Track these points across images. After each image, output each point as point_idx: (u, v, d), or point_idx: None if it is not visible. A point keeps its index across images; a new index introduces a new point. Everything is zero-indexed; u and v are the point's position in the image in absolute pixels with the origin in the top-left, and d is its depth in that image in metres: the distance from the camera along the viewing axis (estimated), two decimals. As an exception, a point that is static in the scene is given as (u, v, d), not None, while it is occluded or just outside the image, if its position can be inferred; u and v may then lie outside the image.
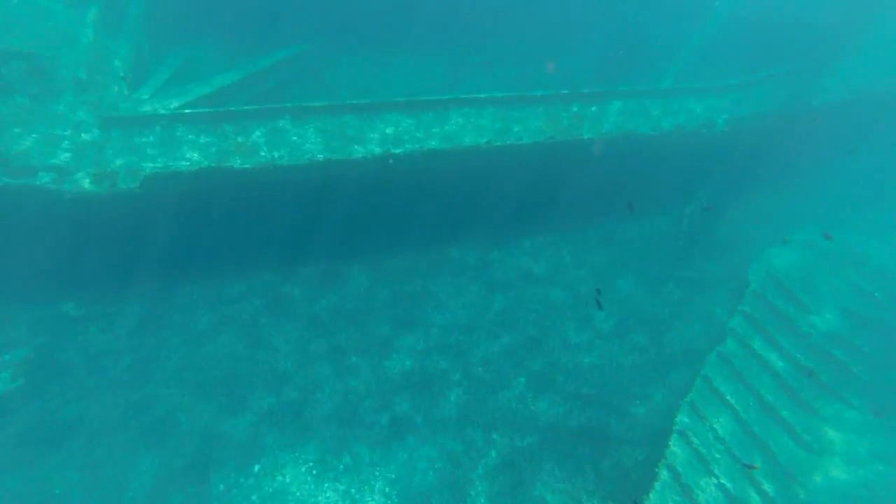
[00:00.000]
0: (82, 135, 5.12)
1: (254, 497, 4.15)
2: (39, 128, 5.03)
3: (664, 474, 4.44)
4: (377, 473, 4.40)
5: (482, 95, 6.28)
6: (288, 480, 4.27)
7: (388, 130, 5.76)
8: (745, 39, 7.98)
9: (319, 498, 4.20)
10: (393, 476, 4.39)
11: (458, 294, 6.08)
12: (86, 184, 4.80)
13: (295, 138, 5.55)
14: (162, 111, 5.49)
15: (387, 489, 4.30)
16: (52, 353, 4.86)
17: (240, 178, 5.15)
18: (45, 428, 4.28)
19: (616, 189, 6.85)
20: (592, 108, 6.62)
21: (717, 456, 4.70)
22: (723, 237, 6.85)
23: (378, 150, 5.40)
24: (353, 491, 4.27)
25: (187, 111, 5.51)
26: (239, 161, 5.23)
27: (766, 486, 4.46)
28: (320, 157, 5.29)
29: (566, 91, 6.58)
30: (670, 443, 4.64)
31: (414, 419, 4.82)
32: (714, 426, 4.87)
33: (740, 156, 6.90)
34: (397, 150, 5.44)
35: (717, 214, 6.86)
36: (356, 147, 5.46)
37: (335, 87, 7.57)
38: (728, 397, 5.08)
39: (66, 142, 5.02)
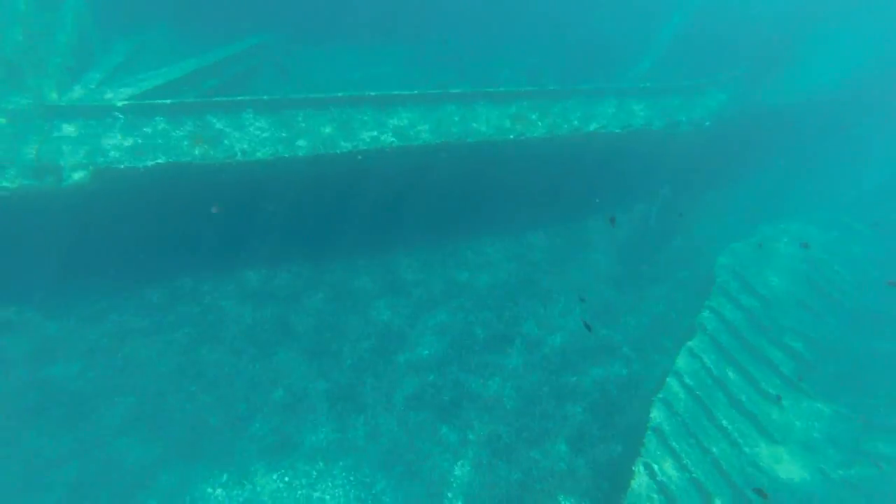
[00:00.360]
0: (17, 125, 4.74)
1: None
2: (-28, 118, 4.62)
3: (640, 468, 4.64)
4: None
5: (437, 91, 6.25)
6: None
7: (326, 130, 5.65)
8: (698, 43, 8.38)
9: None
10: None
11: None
12: (23, 179, 4.46)
13: (257, 132, 5.36)
14: (116, 101, 5.17)
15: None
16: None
17: (200, 173, 4.94)
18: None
19: (579, 187, 7.04)
20: (554, 108, 6.75)
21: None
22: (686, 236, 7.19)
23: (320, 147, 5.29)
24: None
25: (145, 102, 5.21)
26: (198, 153, 5.01)
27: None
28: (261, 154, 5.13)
29: (528, 88, 6.67)
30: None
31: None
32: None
33: (699, 155, 7.24)
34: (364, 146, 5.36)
35: (678, 213, 7.19)
36: (300, 142, 5.32)
37: (297, 79, 7.36)
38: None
39: (8, 136, 4.64)
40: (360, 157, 5.30)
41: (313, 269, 6.04)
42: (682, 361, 5.52)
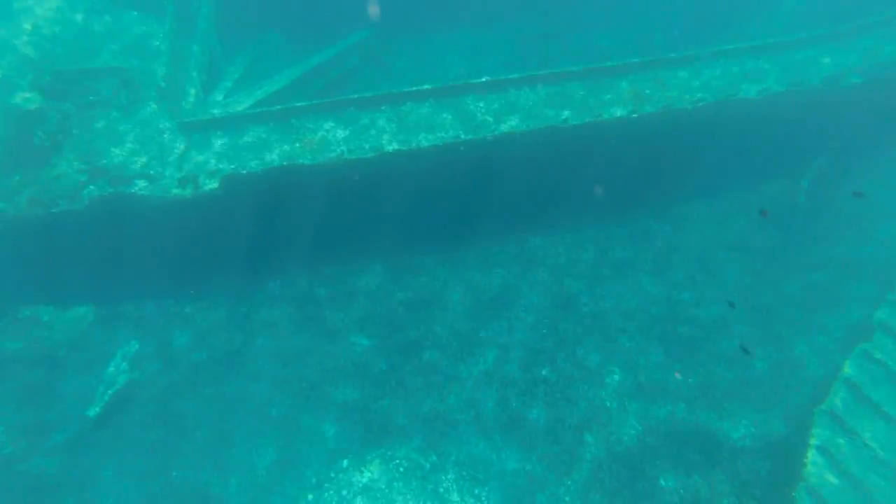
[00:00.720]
0: (166, 141, 5.43)
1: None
2: (129, 138, 5.39)
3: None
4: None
5: (554, 71, 5.89)
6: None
7: (447, 116, 5.57)
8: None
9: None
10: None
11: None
12: (172, 189, 5.09)
13: (366, 130, 5.54)
14: (233, 112, 5.69)
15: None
16: (159, 347, 5.29)
17: (311, 175, 5.25)
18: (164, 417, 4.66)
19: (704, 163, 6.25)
20: (681, 74, 6.01)
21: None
22: (849, 213, 6.00)
23: (448, 137, 5.26)
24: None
25: (257, 111, 5.67)
26: (309, 157, 5.33)
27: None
28: (390, 148, 5.25)
29: (648, 57, 6.01)
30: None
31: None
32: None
33: (863, 116, 6.00)
34: (468, 136, 5.26)
35: (838, 186, 6.03)
36: (425, 135, 5.35)
37: (398, 73, 7.48)
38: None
39: (152, 149, 5.35)
40: (509, 139, 5.19)
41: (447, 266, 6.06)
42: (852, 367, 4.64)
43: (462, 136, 5.28)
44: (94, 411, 4.53)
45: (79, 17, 5.95)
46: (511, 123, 5.44)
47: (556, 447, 4.56)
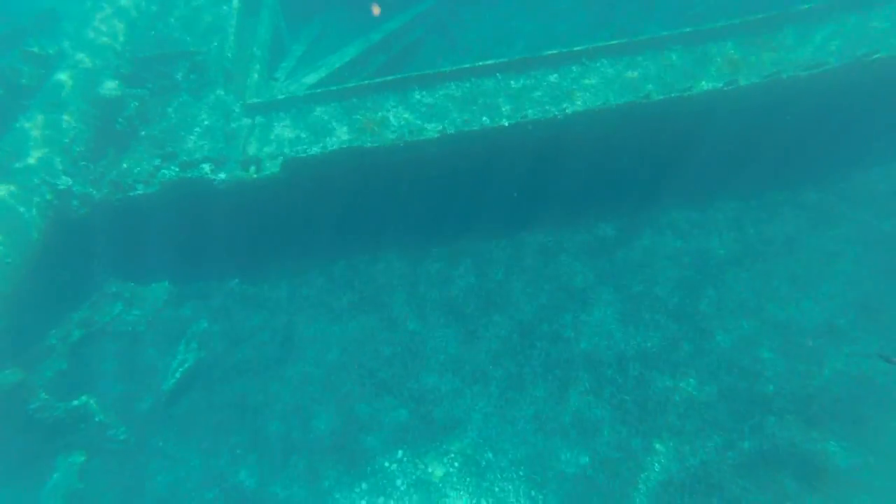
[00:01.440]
0: (231, 124, 5.56)
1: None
2: (197, 121, 5.59)
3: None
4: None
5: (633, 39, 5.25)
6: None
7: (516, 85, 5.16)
8: None
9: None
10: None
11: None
12: (236, 172, 5.22)
13: (425, 109, 5.31)
14: (296, 93, 5.69)
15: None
16: (225, 326, 5.57)
17: (374, 157, 5.14)
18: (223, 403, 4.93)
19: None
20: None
21: None
22: None
23: (507, 119, 4.89)
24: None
25: (318, 91, 5.62)
26: (370, 139, 5.21)
27: None
28: (452, 130, 4.99)
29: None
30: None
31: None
32: None
33: None
34: (534, 115, 4.86)
35: None
36: (485, 117, 5.02)
37: (466, 45, 7.11)
38: None
39: (219, 132, 5.50)
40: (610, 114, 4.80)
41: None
42: None
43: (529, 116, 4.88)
44: (167, 385, 4.86)
45: (154, 4, 6.20)
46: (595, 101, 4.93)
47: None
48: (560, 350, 4.92)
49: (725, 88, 4.90)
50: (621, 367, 4.73)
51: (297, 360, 5.26)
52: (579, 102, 4.97)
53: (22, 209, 4.79)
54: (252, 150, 5.38)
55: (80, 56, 5.55)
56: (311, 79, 6.07)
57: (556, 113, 4.87)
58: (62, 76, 5.42)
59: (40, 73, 5.44)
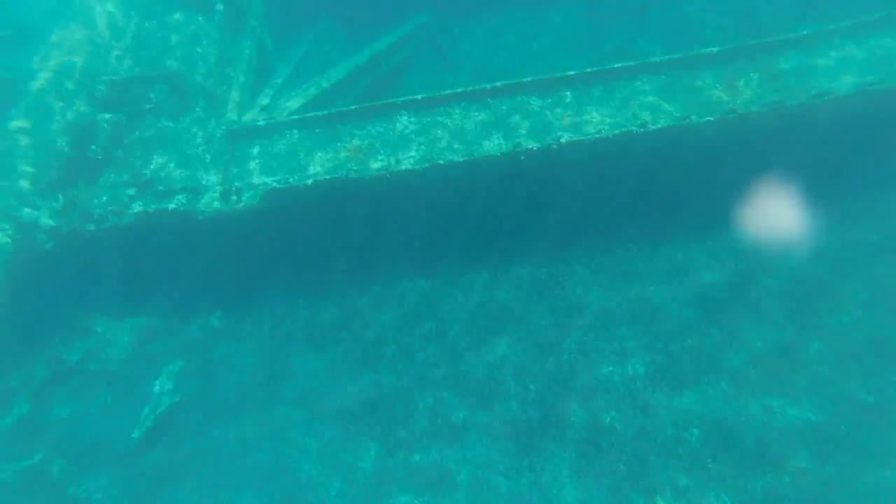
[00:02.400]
0: (210, 150, 5.35)
1: None
2: (176, 147, 5.38)
3: None
4: None
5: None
6: None
7: (515, 119, 4.99)
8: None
9: None
10: None
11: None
12: (215, 202, 5.00)
13: (412, 136, 5.12)
14: (280, 118, 5.49)
15: None
16: (201, 365, 5.32)
17: (357, 188, 4.94)
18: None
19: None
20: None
21: None
22: None
23: (505, 147, 4.71)
24: None
25: (304, 115, 5.43)
26: (355, 168, 5.03)
27: None
28: (450, 159, 4.79)
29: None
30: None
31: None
32: None
33: None
34: (529, 145, 4.66)
35: None
36: (484, 143, 4.83)
37: (457, 62, 6.93)
38: None
39: (198, 159, 5.29)
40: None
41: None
42: None
43: (524, 145, 4.69)
44: (137, 433, 4.61)
45: (132, 23, 6.00)
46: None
47: None
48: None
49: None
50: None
51: (279, 401, 5.02)
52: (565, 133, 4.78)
53: (-17, 244, 4.56)
54: (232, 178, 5.18)
55: (50, 78, 5.33)
56: (296, 102, 5.88)
57: (551, 142, 4.69)
58: (29, 99, 5.20)
59: (6, 97, 5.22)
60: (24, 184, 4.83)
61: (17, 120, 5.01)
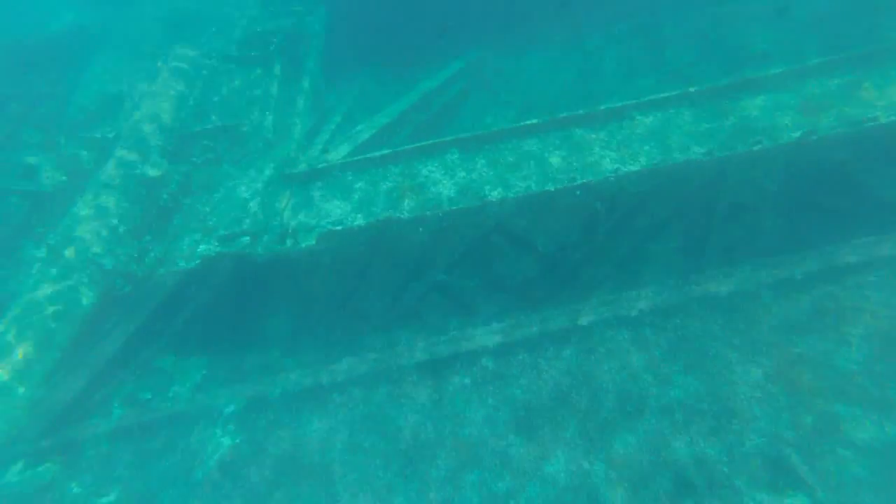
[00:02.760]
0: (270, 195, 5.61)
1: None
2: (237, 193, 5.68)
3: None
4: None
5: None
6: None
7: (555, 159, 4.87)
8: None
9: None
10: None
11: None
12: (273, 245, 5.20)
13: (463, 174, 5.12)
14: (334, 161, 5.69)
15: None
16: (258, 404, 5.43)
17: (412, 228, 4.97)
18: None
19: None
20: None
21: None
22: None
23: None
24: None
25: (358, 157, 5.59)
26: (408, 208, 5.07)
27: None
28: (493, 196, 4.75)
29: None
30: None
31: None
32: None
33: None
34: (586, 178, 4.52)
35: None
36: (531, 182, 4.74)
37: (508, 99, 6.94)
38: None
39: (258, 204, 5.55)
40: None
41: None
42: None
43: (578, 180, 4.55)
44: (199, 474, 4.72)
45: (200, 81, 6.51)
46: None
47: None
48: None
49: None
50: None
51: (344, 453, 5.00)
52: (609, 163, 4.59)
53: (70, 290, 4.96)
54: (289, 221, 5.37)
55: (131, 136, 5.84)
56: (349, 145, 6.07)
57: (610, 174, 4.52)
58: (115, 157, 5.70)
59: (98, 157, 5.76)
60: (107, 234, 5.24)
61: (102, 175, 5.50)
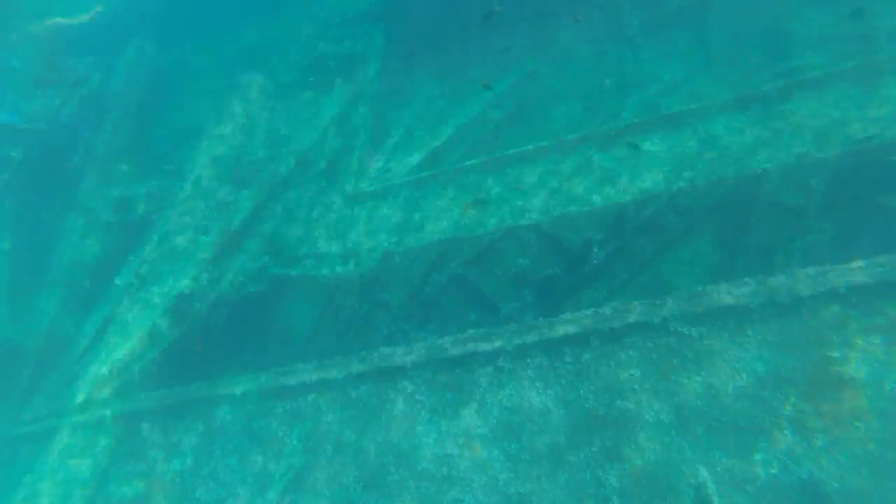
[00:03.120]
0: (332, 216, 5.71)
1: None
2: (301, 215, 5.84)
3: None
4: None
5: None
6: None
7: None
8: None
9: None
10: None
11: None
12: (336, 266, 5.27)
13: (527, 188, 4.97)
14: (394, 180, 5.71)
15: None
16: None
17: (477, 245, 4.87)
18: None
19: None
20: None
21: None
22: None
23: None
24: None
25: (416, 176, 5.59)
26: (467, 220, 4.98)
27: None
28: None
29: None
30: None
31: None
32: None
33: None
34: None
35: None
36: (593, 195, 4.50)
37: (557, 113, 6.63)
38: None
39: (321, 225, 5.67)
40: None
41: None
42: None
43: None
44: (272, 496, 4.80)
45: (266, 110, 6.81)
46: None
47: None
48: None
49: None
50: None
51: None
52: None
53: (151, 314, 5.27)
54: (353, 241, 5.43)
55: (205, 165, 6.18)
56: (409, 160, 6.07)
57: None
58: (190, 186, 6.03)
59: (175, 187, 6.14)
60: (184, 260, 5.54)
61: (179, 205, 5.83)
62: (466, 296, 4.95)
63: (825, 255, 3.66)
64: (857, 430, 2.91)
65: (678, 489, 3.13)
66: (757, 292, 3.27)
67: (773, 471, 2.98)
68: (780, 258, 3.98)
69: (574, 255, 4.54)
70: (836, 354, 3.06)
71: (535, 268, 4.70)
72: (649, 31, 6.28)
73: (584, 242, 4.48)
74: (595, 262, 4.45)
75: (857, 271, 3.10)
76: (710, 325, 3.35)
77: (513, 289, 4.78)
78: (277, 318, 5.54)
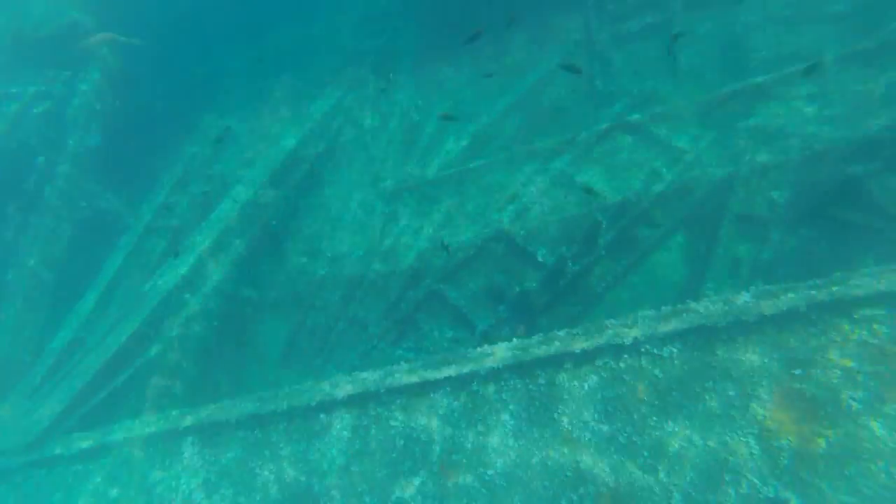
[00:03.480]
0: (368, 213, 5.70)
1: None
2: (337, 214, 5.88)
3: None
4: None
5: None
6: None
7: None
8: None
9: None
10: None
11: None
12: (373, 265, 5.27)
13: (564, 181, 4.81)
14: (428, 177, 5.65)
15: None
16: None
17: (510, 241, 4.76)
18: None
19: None
20: None
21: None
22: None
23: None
24: None
25: (451, 171, 5.51)
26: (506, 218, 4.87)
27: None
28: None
29: None
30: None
31: None
32: None
33: None
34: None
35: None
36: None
37: (609, 95, 6.33)
38: None
39: (358, 223, 5.67)
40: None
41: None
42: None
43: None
44: None
45: (301, 108, 6.81)
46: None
47: None
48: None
49: None
50: None
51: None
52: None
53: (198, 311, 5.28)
54: (388, 241, 5.41)
55: (244, 169, 6.26)
56: (439, 160, 5.95)
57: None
58: (234, 190, 6.01)
59: (217, 191, 6.22)
60: (225, 261, 5.56)
61: (223, 209, 5.81)
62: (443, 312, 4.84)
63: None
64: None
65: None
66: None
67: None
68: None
69: (549, 270, 4.43)
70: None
71: (510, 283, 4.58)
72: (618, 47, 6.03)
73: (558, 258, 4.41)
74: (569, 276, 4.31)
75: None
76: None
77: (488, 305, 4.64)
78: (250, 339, 5.50)
